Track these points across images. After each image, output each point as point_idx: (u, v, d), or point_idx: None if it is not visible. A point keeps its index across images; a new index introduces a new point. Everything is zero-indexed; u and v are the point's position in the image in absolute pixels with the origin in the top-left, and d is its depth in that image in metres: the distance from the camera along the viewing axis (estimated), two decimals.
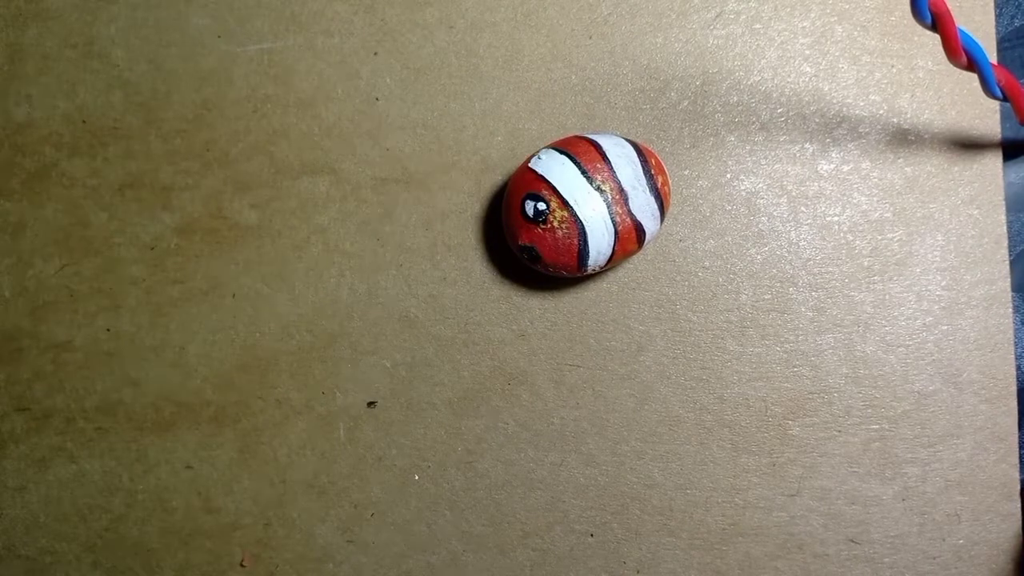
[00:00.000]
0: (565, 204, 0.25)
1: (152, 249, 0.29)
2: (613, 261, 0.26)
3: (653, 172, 0.26)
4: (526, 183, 0.26)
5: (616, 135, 0.27)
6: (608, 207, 0.25)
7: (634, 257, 0.28)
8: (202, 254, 0.29)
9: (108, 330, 0.29)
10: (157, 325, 0.29)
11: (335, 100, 0.29)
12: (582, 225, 0.25)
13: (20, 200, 0.30)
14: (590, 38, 0.29)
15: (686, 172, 0.28)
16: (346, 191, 0.29)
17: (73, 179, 0.30)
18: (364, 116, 0.29)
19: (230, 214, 0.29)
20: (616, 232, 0.26)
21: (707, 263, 0.28)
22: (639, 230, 0.26)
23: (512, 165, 0.28)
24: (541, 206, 0.25)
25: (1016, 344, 0.28)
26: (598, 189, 0.25)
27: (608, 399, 0.28)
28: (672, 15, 0.29)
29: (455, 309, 0.28)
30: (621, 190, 0.26)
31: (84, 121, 0.30)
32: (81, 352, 0.29)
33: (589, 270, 0.26)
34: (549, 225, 0.25)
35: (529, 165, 0.26)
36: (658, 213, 0.26)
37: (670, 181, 0.27)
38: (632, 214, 0.26)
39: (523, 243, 0.26)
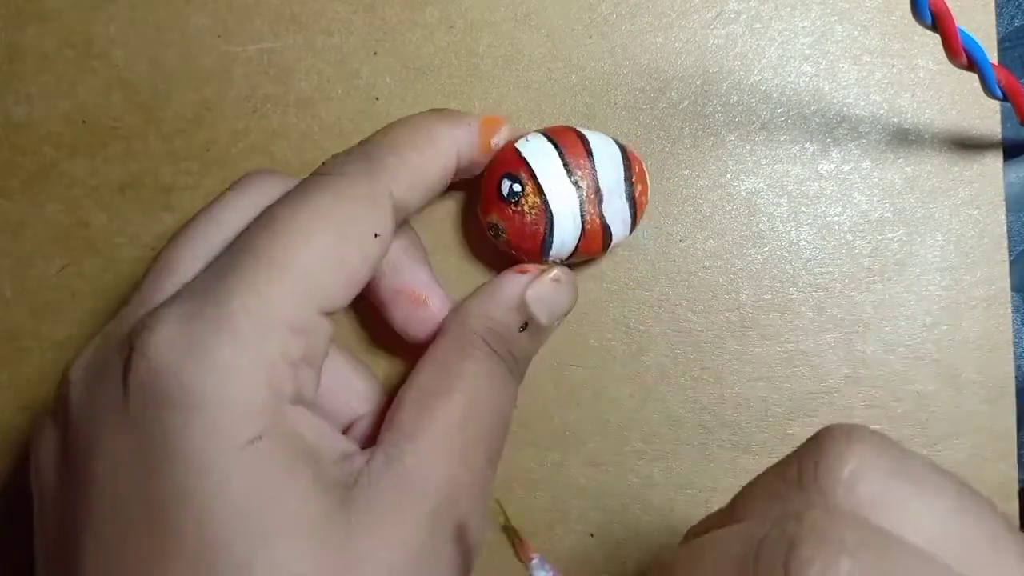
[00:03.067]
0: (539, 191, 0.25)
1: (153, 249, 0.29)
2: (575, 256, 0.26)
3: (634, 179, 0.26)
4: (507, 162, 0.26)
5: (607, 136, 0.27)
6: (581, 204, 0.26)
7: (634, 257, 0.28)
8: None
9: None
10: None
11: (335, 100, 0.29)
12: (551, 215, 0.25)
13: (20, 200, 0.30)
14: (590, 38, 0.29)
15: (686, 172, 0.28)
16: None
17: (73, 179, 0.30)
18: (364, 116, 0.29)
19: None
20: (583, 229, 0.26)
21: (707, 263, 0.28)
22: (606, 233, 0.26)
23: None
24: (516, 187, 0.25)
25: (1016, 344, 0.28)
26: (575, 184, 0.26)
27: (608, 399, 0.28)
28: (672, 15, 0.29)
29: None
30: (598, 190, 0.26)
31: (84, 121, 0.30)
32: None
33: (550, 260, 0.26)
34: (519, 208, 0.25)
35: (515, 145, 0.26)
36: (629, 220, 0.27)
37: (648, 191, 0.27)
38: (603, 216, 0.26)
39: (491, 220, 0.26)
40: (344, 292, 0.22)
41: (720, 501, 0.28)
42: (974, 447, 0.27)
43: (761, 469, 0.27)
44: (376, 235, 0.22)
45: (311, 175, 0.23)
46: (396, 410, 0.23)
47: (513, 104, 0.29)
